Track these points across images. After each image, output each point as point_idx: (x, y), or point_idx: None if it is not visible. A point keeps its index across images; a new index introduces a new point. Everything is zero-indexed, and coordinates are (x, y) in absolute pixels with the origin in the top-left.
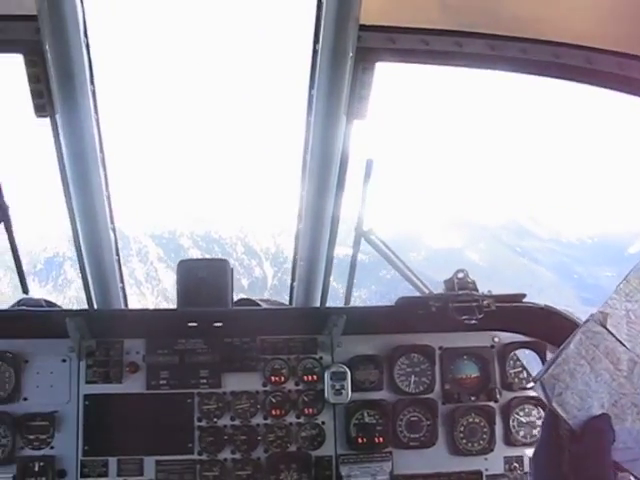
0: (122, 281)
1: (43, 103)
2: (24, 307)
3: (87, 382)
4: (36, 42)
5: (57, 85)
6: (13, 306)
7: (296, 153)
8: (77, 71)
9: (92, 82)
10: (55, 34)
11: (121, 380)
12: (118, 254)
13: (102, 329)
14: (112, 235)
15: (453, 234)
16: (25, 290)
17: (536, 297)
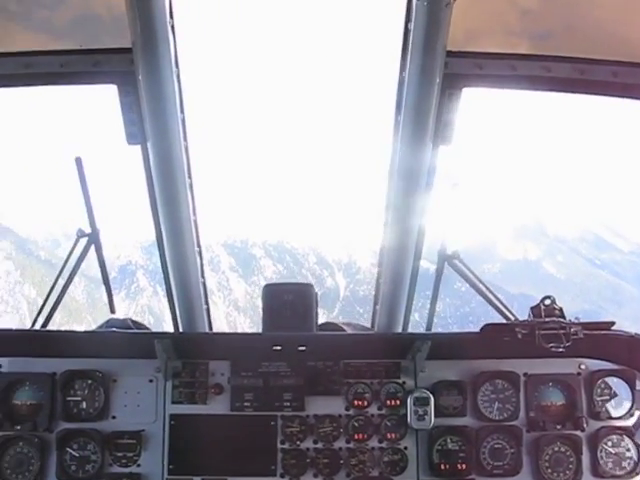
0: (207, 303)
1: (135, 131)
2: (114, 329)
3: (173, 402)
4: (130, 73)
5: (149, 114)
6: (101, 326)
7: (376, 173)
8: (168, 100)
9: (182, 110)
10: (148, 65)
11: (206, 401)
12: (203, 276)
13: (188, 351)
14: (198, 258)
15: (529, 245)
16: (112, 310)
17: (616, 311)
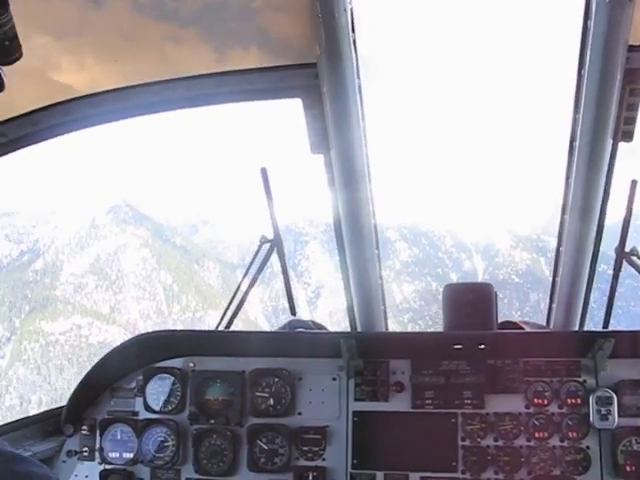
0: (384, 304)
1: (319, 141)
2: (302, 329)
3: (356, 400)
4: (315, 87)
5: (332, 124)
6: (284, 327)
7: (535, 167)
8: (350, 110)
9: (363, 119)
10: (332, 78)
11: (387, 398)
12: (381, 278)
13: (370, 350)
14: (377, 262)
15: None
16: (293, 312)
17: None
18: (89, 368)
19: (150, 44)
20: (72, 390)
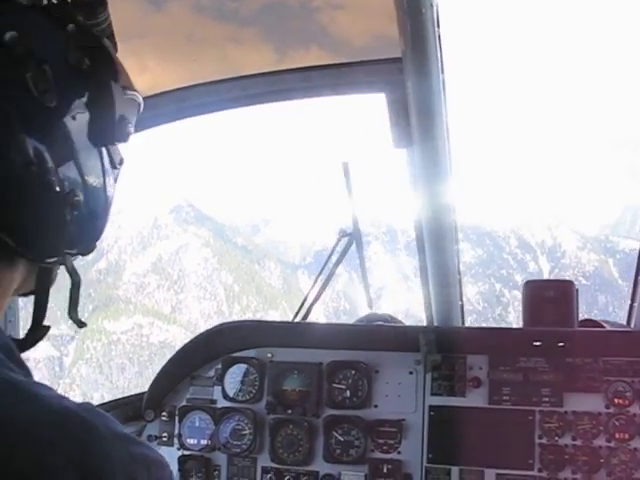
0: (461, 299)
1: (402, 135)
2: (380, 322)
3: (432, 394)
4: (399, 82)
5: (416, 119)
6: (361, 320)
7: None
8: (434, 105)
9: (446, 114)
10: (416, 74)
11: (464, 394)
12: (460, 274)
13: (447, 344)
14: (456, 258)
15: None
16: (370, 305)
17: None
18: (170, 356)
19: (211, 44)
20: (152, 378)
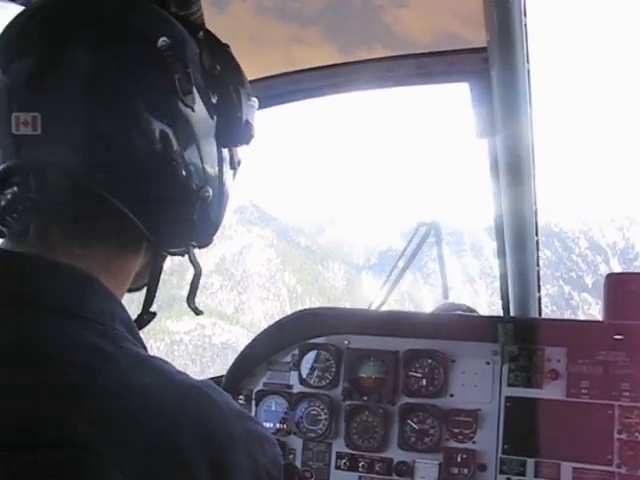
0: (539, 291)
1: (485, 125)
2: (459, 312)
3: (509, 385)
4: (483, 71)
5: (500, 108)
6: (437, 309)
7: None
8: (519, 95)
9: (531, 105)
10: (502, 63)
11: (542, 386)
12: (538, 264)
13: (525, 336)
14: (535, 248)
15: None
16: (446, 296)
17: None
18: (248, 342)
19: (275, 44)
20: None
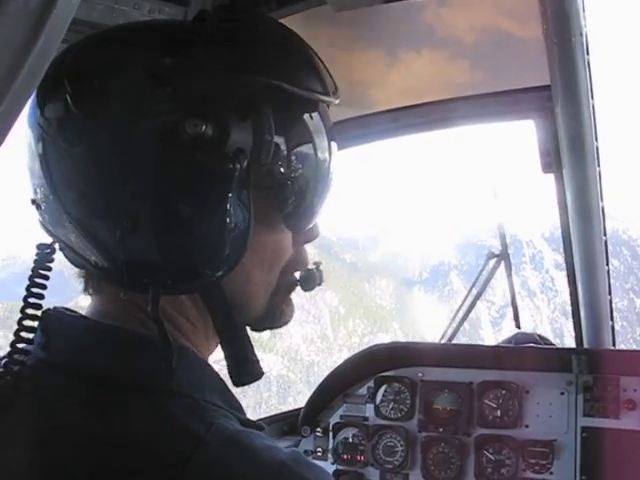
0: (612, 319)
1: (550, 161)
2: (532, 345)
3: (584, 415)
4: (548, 108)
5: (565, 144)
6: (509, 340)
7: None
8: (584, 130)
9: (596, 139)
10: (566, 100)
11: (618, 416)
12: (610, 294)
13: (599, 366)
14: (606, 277)
15: None
16: (518, 325)
17: None
18: (324, 376)
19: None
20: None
